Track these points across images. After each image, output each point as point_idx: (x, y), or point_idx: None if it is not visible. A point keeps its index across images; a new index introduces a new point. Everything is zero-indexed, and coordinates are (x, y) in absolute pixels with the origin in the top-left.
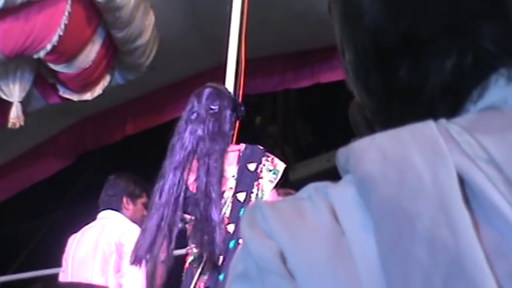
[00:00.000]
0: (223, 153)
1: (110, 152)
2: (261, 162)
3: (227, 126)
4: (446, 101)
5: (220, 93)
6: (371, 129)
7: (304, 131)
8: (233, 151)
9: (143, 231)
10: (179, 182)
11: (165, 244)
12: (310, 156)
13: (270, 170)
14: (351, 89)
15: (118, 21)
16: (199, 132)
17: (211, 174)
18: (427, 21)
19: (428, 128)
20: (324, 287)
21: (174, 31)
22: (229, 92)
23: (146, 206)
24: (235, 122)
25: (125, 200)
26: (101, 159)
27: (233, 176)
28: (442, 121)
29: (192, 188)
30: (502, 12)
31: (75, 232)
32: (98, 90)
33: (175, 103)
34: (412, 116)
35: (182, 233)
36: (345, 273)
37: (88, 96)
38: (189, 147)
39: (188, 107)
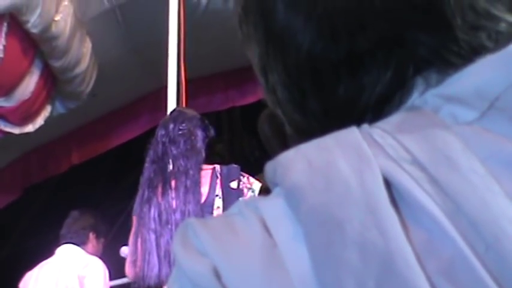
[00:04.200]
0: (199, 169)
1: (56, 182)
2: (240, 180)
3: (199, 144)
4: (375, 110)
5: (186, 115)
6: (284, 144)
7: (251, 146)
8: (206, 170)
9: (145, 256)
10: (165, 204)
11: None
12: (259, 172)
13: (249, 188)
14: (273, 109)
15: (55, 51)
16: (174, 151)
17: (189, 191)
18: (365, 37)
19: (351, 134)
20: None
21: (112, 57)
22: (197, 114)
23: (103, 246)
24: (206, 141)
25: (91, 235)
26: (49, 190)
27: (217, 195)
28: (365, 126)
29: (175, 206)
30: (439, 23)
31: (31, 268)
32: (40, 121)
33: (120, 129)
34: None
35: None
36: (279, 285)
37: (30, 128)
38: (167, 168)
39: (158, 133)
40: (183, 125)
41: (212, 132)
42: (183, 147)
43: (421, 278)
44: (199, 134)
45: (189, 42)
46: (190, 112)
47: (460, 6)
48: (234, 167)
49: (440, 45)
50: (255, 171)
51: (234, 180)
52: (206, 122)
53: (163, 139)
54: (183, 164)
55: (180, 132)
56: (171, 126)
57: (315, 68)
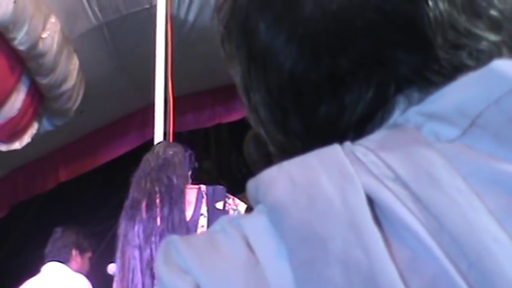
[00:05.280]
0: (183, 187)
1: (44, 200)
2: (226, 201)
3: (182, 168)
4: (357, 128)
5: (169, 144)
6: (269, 163)
7: (239, 163)
8: (191, 188)
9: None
10: (149, 219)
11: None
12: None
13: (234, 210)
14: (256, 129)
15: (42, 68)
16: (159, 171)
17: (173, 208)
18: (346, 57)
19: (334, 151)
20: None
21: (100, 74)
22: (178, 144)
23: (91, 260)
24: (189, 164)
25: (74, 252)
26: (36, 208)
27: (202, 214)
28: (347, 144)
29: (159, 222)
30: (420, 42)
31: (17, 286)
32: (27, 138)
33: (107, 146)
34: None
35: None
36: None
37: (17, 145)
38: (152, 187)
39: (142, 165)
40: (165, 152)
41: (192, 156)
42: (168, 166)
43: None
44: (182, 158)
45: (177, 59)
46: (173, 143)
47: (441, 26)
48: (220, 188)
49: (421, 64)
50: (242, 188)
51: (219, 201)
52: (190, 152)
53: (150, 162)
54: (167, 182)
55: (163, 157)
56: (154, 154)
57: (296, 88)
